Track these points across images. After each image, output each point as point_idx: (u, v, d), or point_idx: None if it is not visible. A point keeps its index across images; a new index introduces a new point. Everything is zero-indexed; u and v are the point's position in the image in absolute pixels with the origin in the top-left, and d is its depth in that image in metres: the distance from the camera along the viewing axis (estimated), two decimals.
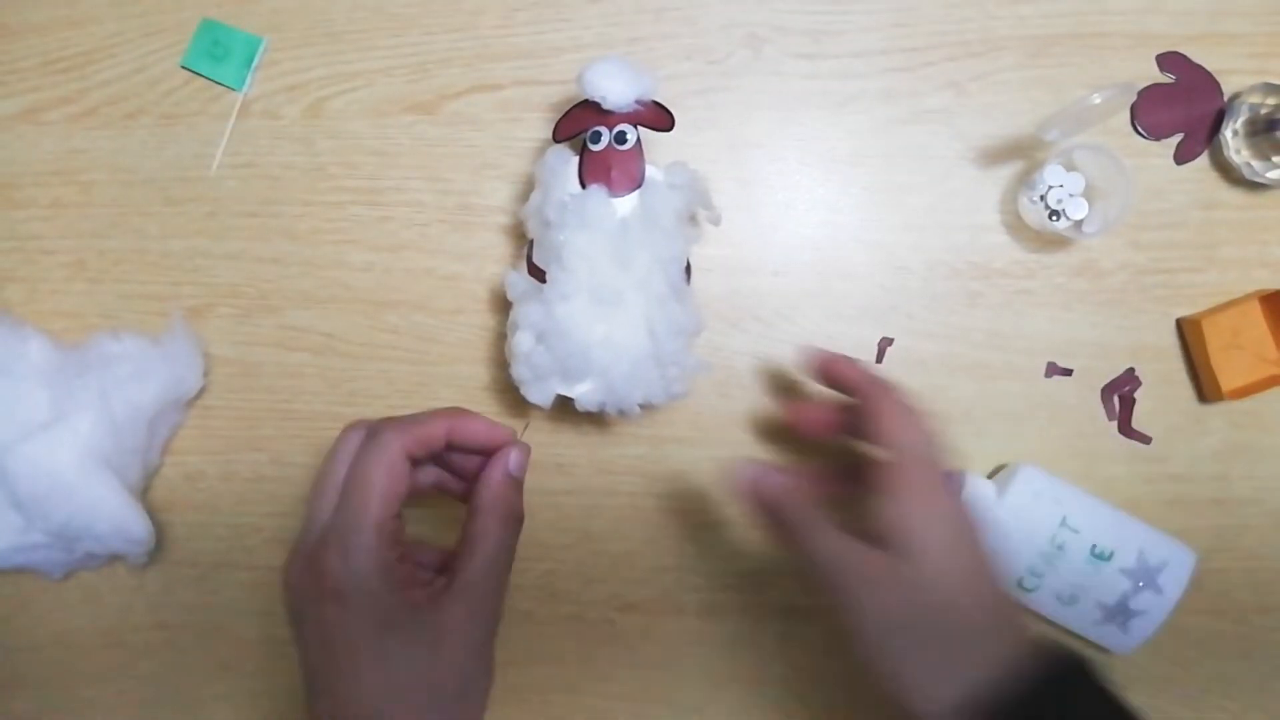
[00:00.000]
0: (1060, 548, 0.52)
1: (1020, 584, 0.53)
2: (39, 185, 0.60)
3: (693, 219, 0.54)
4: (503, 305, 0.56)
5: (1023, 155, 0.58)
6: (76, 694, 0.59)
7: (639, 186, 0.50)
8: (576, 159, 0.51)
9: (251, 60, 0.59)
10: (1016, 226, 0.57)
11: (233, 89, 0.60)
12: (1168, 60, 0.57)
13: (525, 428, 0.53)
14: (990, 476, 0.56)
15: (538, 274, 0.52)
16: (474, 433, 0.44)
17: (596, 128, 0.50)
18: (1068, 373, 0.57)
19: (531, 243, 0.53)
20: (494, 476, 0.44)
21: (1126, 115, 0.57)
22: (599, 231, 0.49)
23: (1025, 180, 0.56)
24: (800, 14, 0.58)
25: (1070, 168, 0.55)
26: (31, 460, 0.52)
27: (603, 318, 0.49)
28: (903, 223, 0.58)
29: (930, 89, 0.58)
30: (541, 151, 0.54)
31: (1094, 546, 0.52)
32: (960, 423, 0.57)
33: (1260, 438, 0.57)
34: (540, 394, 0.51)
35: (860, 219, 0.58)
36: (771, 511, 0.45)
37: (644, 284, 0.49)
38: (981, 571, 0.42)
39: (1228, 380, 0.55)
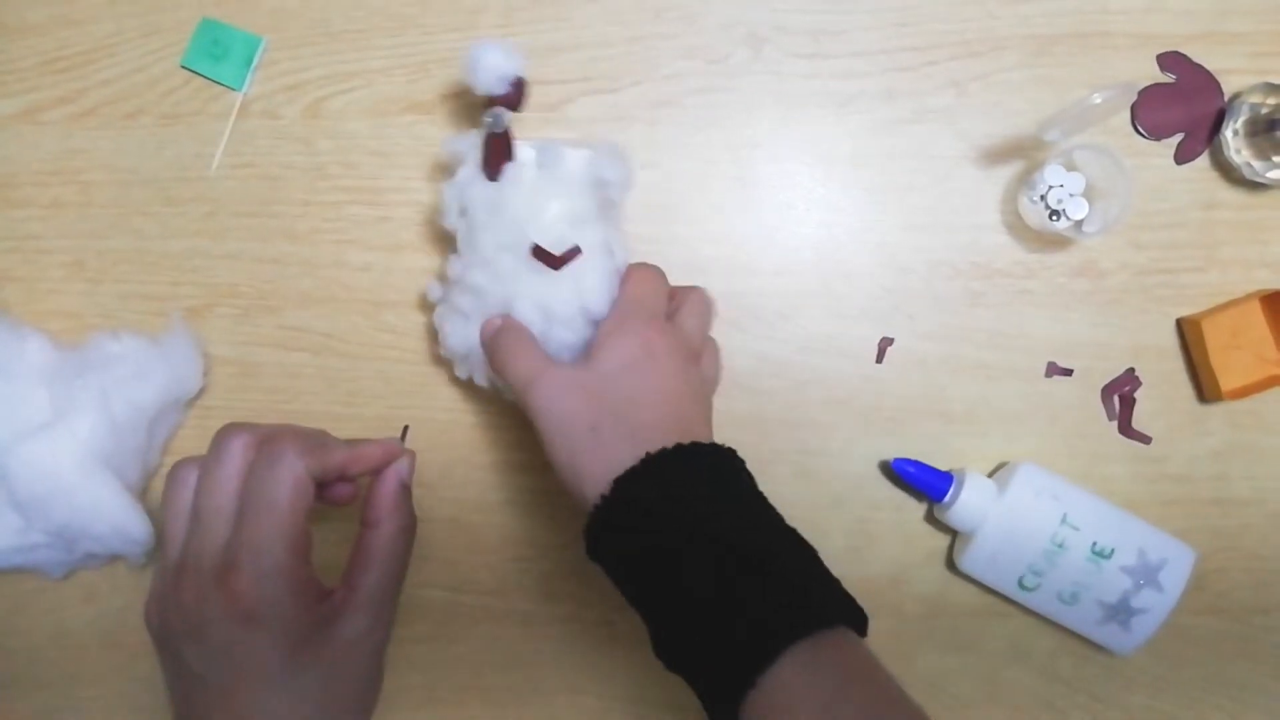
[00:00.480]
0: (1061, 545, 0.52)
1: (1021, 583, 0.54)
2: (38, 185, 0.60)
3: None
4: None
5: (1023, 155, 0.58)
6: (76, 694, 0.59)
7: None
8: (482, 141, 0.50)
9: (251, 60, 0.59)
10: (1017, 226, 0.57)
11: (232, 89, 0.60)
12: (1168, 60, 0.57)
13: (405, 433, 0.53)
14: (991, 475, 0.56)
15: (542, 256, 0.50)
16: (369, 460, 0.45)
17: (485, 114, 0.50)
18: (1068, 373, 0.57)
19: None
20: (387, 490, 0.45)
21: (1127, 115, 0.57)
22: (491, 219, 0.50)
23: (1026, 180, 0.56)
24: (801, 13, 0.58)
25: (1071, 168, 0.55)
26: (31, 460, 0.52)
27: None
28: (903, 223, 0.58)
29: (931, 89, 0.58)
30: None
31: (1094, 544, 0.52)
32: (961, 422, 0.57)
33: (1260, 438, 0.57)
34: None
35: (861, 219, 0.58)
36: (493, 342, 0.48)
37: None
38: (665, 385, 0.45)
39: (1228, 380, 0.55)
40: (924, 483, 0.55)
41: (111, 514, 0.53)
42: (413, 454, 0.47)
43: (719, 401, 0.57)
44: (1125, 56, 0.57)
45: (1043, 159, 0.56)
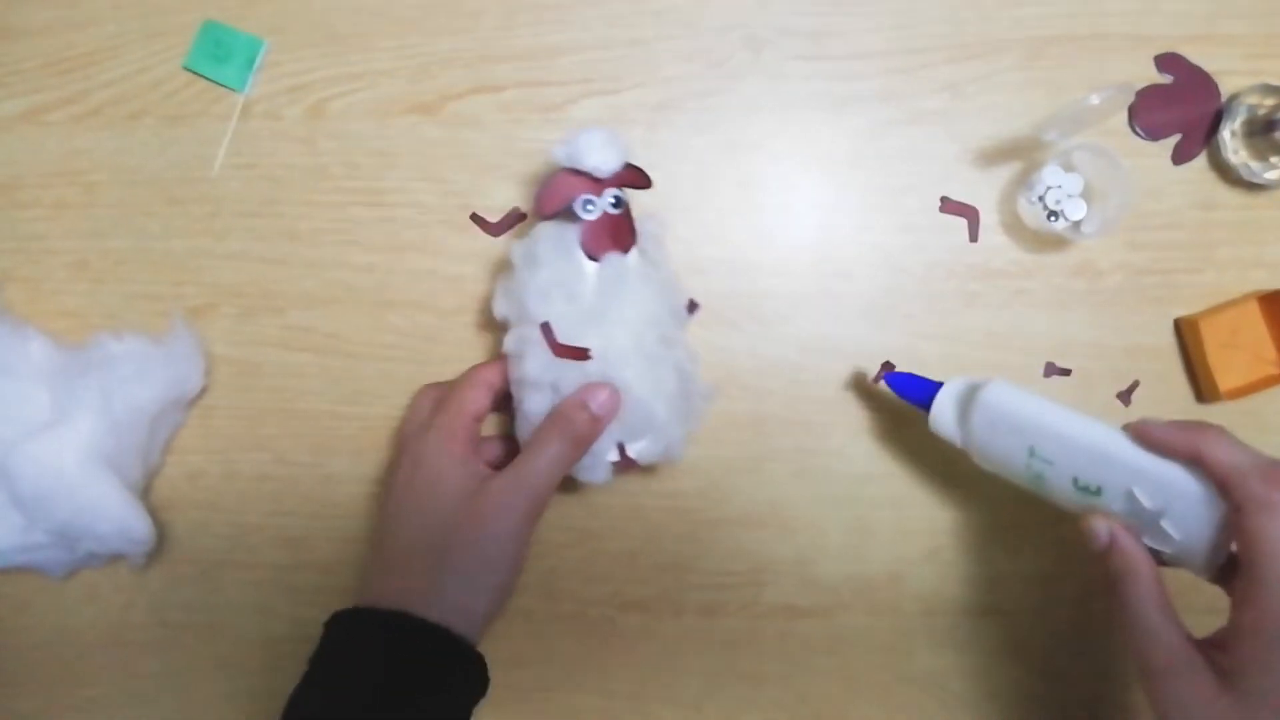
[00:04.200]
0: (1039, 478, 0.47)
1: (1031, 485, 0.48)
2: (42, 186, 0.61)
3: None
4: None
5: (1021, 156, 0.58)
6: (78, 693, 0.60)
7: (634, 244, 0.51)
8: (575, 231, 0.50)
9: (253, 61, 0.60)
10: (1015, 227, 0.58)
11: (235, 90, 0.60)
12: (1166, 61, 0.58)
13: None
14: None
15: (569, 352, 0.49)
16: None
17: (587, 196, 0.50)
18: (1066, 373, 0.57)
19: (547, 324, 0.50)
20: (574, 398, 0.49)
21: (1124, 116, 0.58)
22: (632, 296, 0.50)
23: (1023, 181, 0.56)
24: (800, 16, 0.59)
25: (1068, 168, 0.55)
26: (33, 460, 0.52)
27: (650, 373, 0.50)
28: (901, 224, 0.58)
29: (929, 90, 0.58)
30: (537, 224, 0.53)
31: (1075, 479, 0.45)
32: None
33: (1258, 438, 0.56)
34: (598, 473, 0.52)
35: (859, 220, 0.58)
36: (1121, 570, 0.44)
37: (665, 329, 0.51)
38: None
39: (1225, 380, 0.55)
40: (911, 392, 0.51)
41: (113, 513, 0.54)
42: (618, 395, 0.49)
43: (720, 401, 0.58)
44: (1122, 57, 0.58)
45: (1040, 160, 0.57)
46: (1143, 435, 0.43)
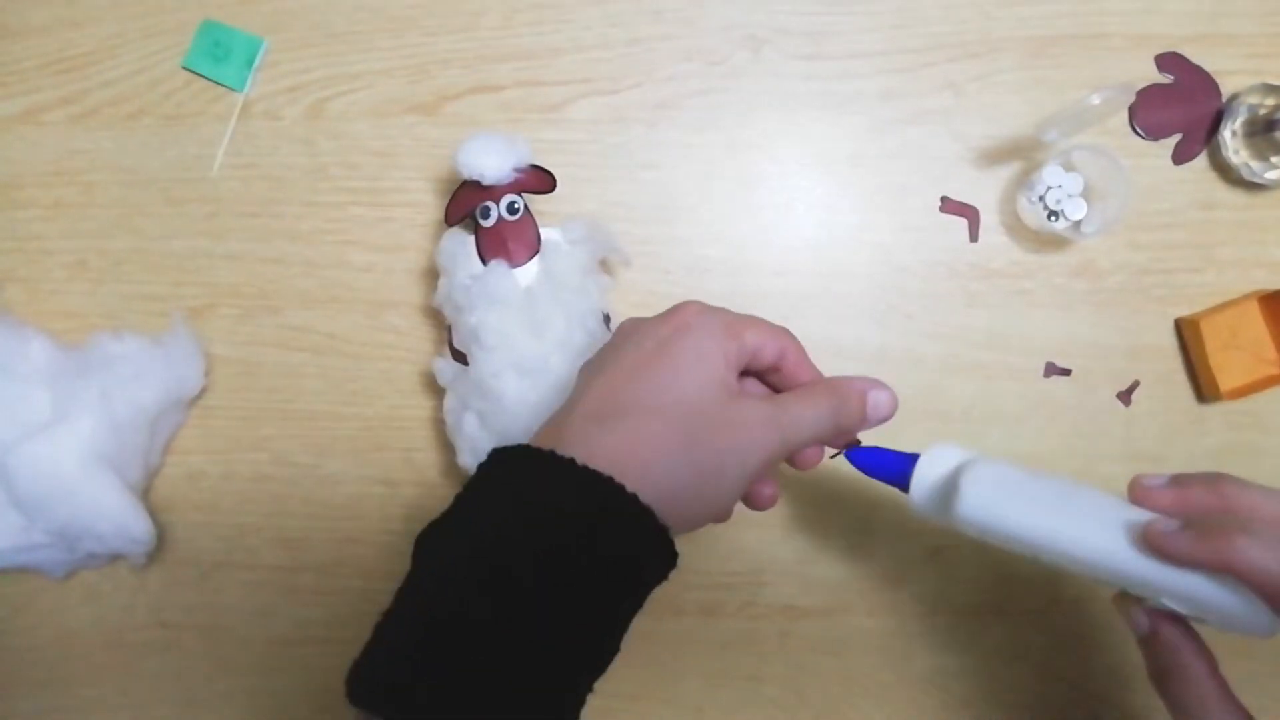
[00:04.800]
0: (1042, 564, 0.41)
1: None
2: (40, 186, 0.60)
3: (603, 265, 0.55)
4: None
5: (1021, 156, 0.58)
6: (77, 693, 0.60)
7: (537, 252, 0.51)
8: (473, 238, 0.52)
9: (252, 61, 0.59)
10: (1015, 227, 0.58)
11: (234, 90, 0.60)
12: (1166, 61, 0.58)
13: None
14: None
15: (461, 357, 0.52)
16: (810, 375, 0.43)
17: (484, 203, 0.51)
18: (1066, 373, 0.57)
19: (450, 327, 0.53)
20: (860, 383, 0.41)
21: (1125, 116, 0.58)
22: (508, 305, 0.50)
23: (1024, 181, 0.56)
24: (800, 15, 0.59)
25: (1069, 168, 0.55)
26: (33, 460, 0.52)
27: (533, 387, 0.50)
28: (901, 223, 0.58)
29: (929, 90, 0.58)
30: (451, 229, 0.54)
31: (1094, 579, 0.40)
32: (959, 422, 0.57)
33: (1259, 438, 0.57)
34: None
35: (859, 219, 0.58)
36: (1169, 666, 0.39)
37: (565, 343, 0.50)
38: None
39: (1226, 380, 0.55)
40: (883, 471, 0.43)
41: (113, 513, 0.54)
42: (894, 399, 0.42)
43: None
44: (1123, 57, 0.58)
45: (1041, 160, 0.57)
46: (1160, 549, 0.37)
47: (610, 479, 0.34)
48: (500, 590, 0.33)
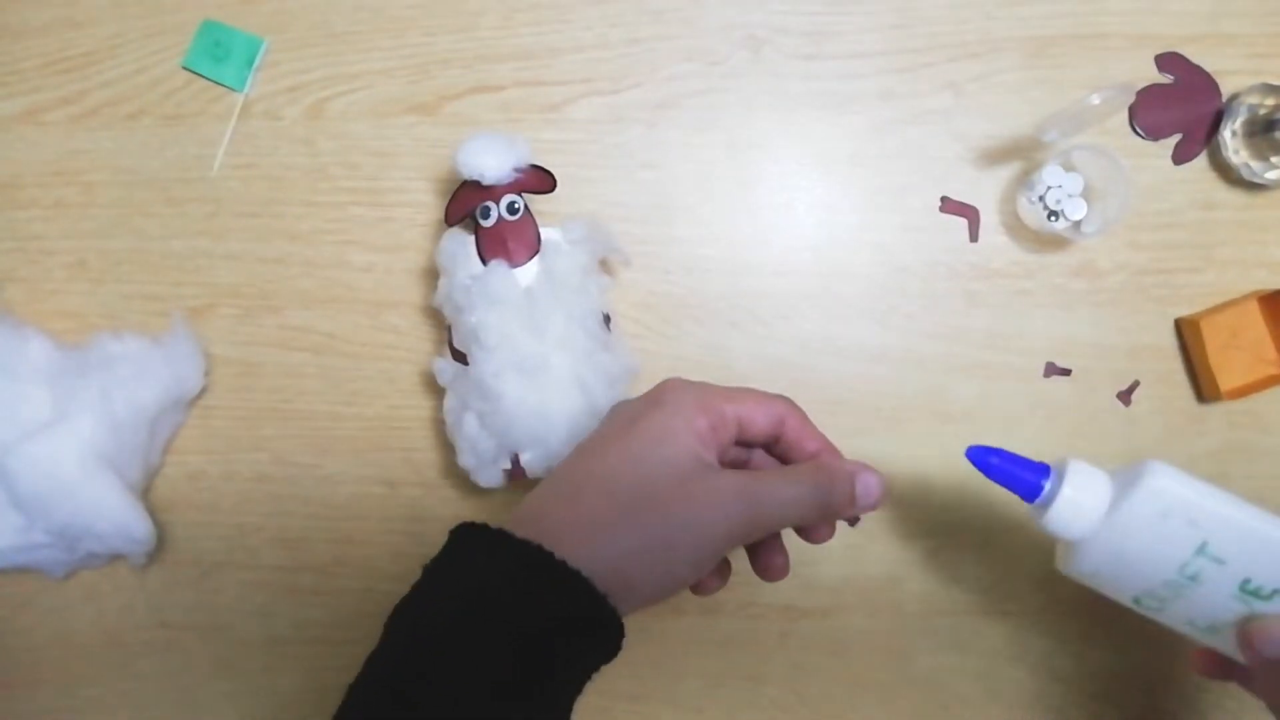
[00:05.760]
0: (1194, 579, 0.40)
1: (1136, 602, 0.42)
2: (40, 186, 0.60)
3: (603, 265, 0.55)
4: None
5: (1021, 156, 0.58)
6: (77, 693, 0.60)
7: (537, 252, 0.51)
8: (473, 238, 0.52)
9: (252, 61, 0.59)
10: (1015, 227, 0.58)
11: (234, 90, 0.60)
12: (1166, 61, 0.58)
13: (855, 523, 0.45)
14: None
15: (460, 357, 0.52)
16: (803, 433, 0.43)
17: (484, 204, 0.51)
18: (1066, 373, 0.57)
19: (450, 327, 0.53)
20: (850, 467, 0.41)
21: (1125, 116, 0.58)
22: (508, 305, 0.50)
23: (1024, 181, 0.56)
24: (799, 15, 0.59)
25: (1069, 168, 0.55)
26: (33, 460, 0.52)
27: (533, 387, 0.50)
28: (901, 223, 0.58)
29: (929, 90, 0.58)
30: (445, 233, 0.54)
31: (1247, 581, 0.39)
32: (959, 422, 0.57)
33: (1259, 438, 0.57)
34: (490, 477, 0.52)
35: (859, 219, 0.58)
36: None
37: (565, 343, 0.50)
38: None
39: (1226, 380, 0.55)
40: (1010, 477, 0.42)
41: (113, 513, 0.54)
42: (885, 485, 0.41)
43: None
44: (1123, 57, 0.58)
45: (1041, 159, 0.57)
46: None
47: (540, 547, 0.36)
48: (423, 690, 0.35)
